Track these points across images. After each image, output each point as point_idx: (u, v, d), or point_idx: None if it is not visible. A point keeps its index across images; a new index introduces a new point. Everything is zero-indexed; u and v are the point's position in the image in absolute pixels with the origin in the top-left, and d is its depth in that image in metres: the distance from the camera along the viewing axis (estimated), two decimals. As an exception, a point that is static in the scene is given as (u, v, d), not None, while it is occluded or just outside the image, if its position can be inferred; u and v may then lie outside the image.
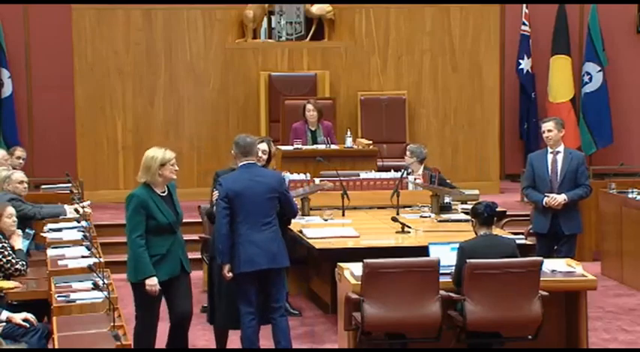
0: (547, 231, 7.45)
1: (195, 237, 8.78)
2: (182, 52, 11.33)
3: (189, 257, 9.10)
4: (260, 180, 6.24)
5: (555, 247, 7.47)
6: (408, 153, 8.89)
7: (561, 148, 7.49)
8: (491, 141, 11.65)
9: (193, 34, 11.33)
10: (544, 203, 7.38)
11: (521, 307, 5.80)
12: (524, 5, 12.14)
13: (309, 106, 9.94)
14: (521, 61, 12.21)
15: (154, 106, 11.32)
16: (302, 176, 8.66)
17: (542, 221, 7.48)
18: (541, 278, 5.90)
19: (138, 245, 6.04)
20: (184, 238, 9.86)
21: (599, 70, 12.18)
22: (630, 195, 8.74)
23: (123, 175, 11.26)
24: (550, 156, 7.48)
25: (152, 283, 6.06)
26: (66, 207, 7.92)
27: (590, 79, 12.22)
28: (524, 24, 12.18)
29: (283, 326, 6.24)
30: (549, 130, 7.48)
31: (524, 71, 12.23)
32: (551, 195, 7.37)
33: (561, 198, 7.36)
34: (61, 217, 7.90)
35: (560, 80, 12.18)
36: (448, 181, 8.64)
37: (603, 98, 12.23)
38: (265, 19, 11.86)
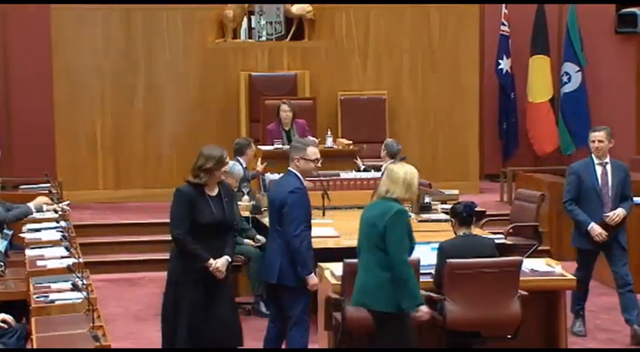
0: (591, 245, 7.07)
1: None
2: (162, 52, 11.29)
3: (164, 257, 9.15)
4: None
5: (610, 259, 7.12)
6: (382, 146, 9.07)
7: (608, 159, 7.12)
8: (471, 141, 11.69)
9: (173, 34, 11.29)
10: (607, 220, 6.98)
11: (500, 306, 5.82)
12: (504, 5, 12.19)
13: (285, 107, 9.97)
14: (500, 61, 12.25)
15: (133, 106, 11.28)
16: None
17: (587, 236, 7.04)
18: (520, 278, 5.92)
19: (408, 269, 5.29)
20: (166, 238, 9.87)
21: (578, 70, 12.24)
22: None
23: (102, 175, 11.21)
24: (599, 168, 7.07)
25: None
26: (30, 204, 7.81)
27: (569, 79, 12.28)
28: (503, 24, 12.23)
29: (289, 337, 6.15)
30: (600, 141, 7.06)
31: (504, 71, 12.28)
32: (613, 212, 6.99)
33: (622, 212, 7.02)
34: (29, 216, 7.79)
35: (539, 80, 12.23)
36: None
37: (582, 98, 12.29)
38: (245, 19, 11.85)
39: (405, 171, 5.43)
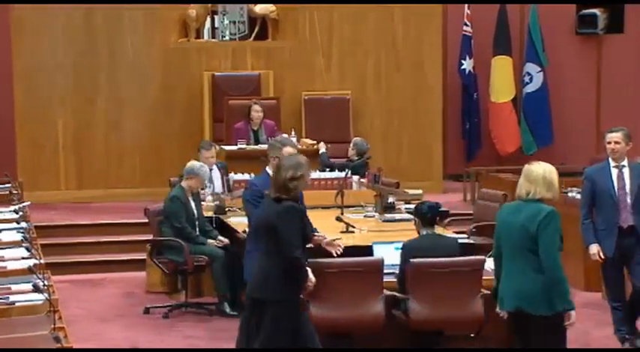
0: (613, 253, 6.58)
1: (138, 237, 8.72)
2: (124, 52, 11.21)
3: (131, 258, 9.14)
4: None
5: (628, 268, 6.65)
6: (351, 144, 9.15)
7: (626, 162, 6.63)
8: (434, 141, 11.74)
9: (135, 34, 11.22)
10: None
11: (464, 305, 5.85)
12: (466, 6, 12.25)
13: (257, 107, 9.96)
14: (463, 61, 12.32)
15: (95, 106, 11.20)
16: (246, 176, 8.63)
17: (607, 243, 6.58)
18: (483, 277, 5.95)
19: (562, 271, 5.11)
20: (129, 239, 9.79)
21: (540, 71, 12.34)
22: (570, 195, 8.86)
23: (64, 175, 11.12)
24: (615, 171, 6.60)
25: None
26: None
27: (531, 80, 12.37)
28: (466, 24, 12.29)
29: None
30: (617, 142, 6.60)
31: (467, 71, 12.34)
32: None
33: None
34: None
35: (501, 80, 12.31)
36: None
37: (543, 98, 12.39)
38: (208, 19, 11.81)
39: (544, 169, 5.24)
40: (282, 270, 5.29)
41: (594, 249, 6.61)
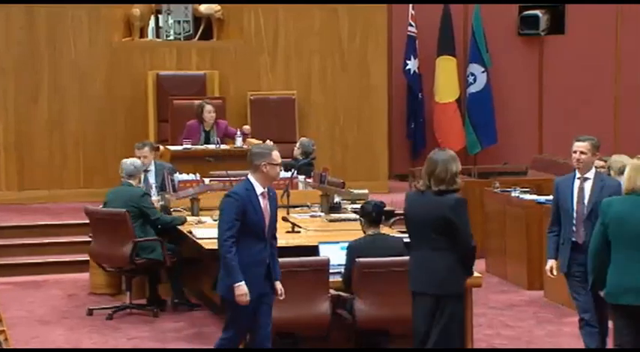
0: (567, 269, 6.13)
1: (81, 239, 8.62)
2: (67, 50, 11.08)
3: (74, 259, 9.05)
4: None
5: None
6: (297, 144, 9.14)
7: (591, 174, 6.15)
8: (380, 140, 11.79)
9: (78, 32, 11.09)
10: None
11: (409, 305, 5.87)
12: (411, 6, 12.32)
13: (209, 107, 9.91)
14: (408, 61, 12.38)
15: (37, 105, 11.04)
16: (191, 176, 8.59)
17: (562, 259, 6.17)
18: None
19: None
20: (72, 240, 9.69)
21: (483, 71, 12.45)
22: (513, 194, 8.97)
23: (5, 176, 10.94)
24: (577, 183, 6.14)
25: None
26: None
27: (475, 80, 12.48)
28: (410, 25, 12.36)
29: None
30: (582, 152, 6.12)
31: (411, 72, 12.41)
32: None
33: None
34: None
35: (445, 80, 12.41)
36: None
37: (487, 98, 12.51)
38: (153, 18, 11.72)
39: None
40: (462, 263, 5.38)
41: (548, 264, 6.23)
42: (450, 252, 5.34)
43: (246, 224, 5.45)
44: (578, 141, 6.17)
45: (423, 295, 5.39)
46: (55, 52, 11.05)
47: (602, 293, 5.41)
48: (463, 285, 5.46)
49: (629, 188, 5.29)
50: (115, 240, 7.66)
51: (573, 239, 6.09)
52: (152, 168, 8.62)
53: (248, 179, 5.58)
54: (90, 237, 7.88)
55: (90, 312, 7.80)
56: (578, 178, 6.15)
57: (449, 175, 5.34)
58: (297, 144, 9.41)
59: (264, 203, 5.52)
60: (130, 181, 7.89)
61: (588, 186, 6.10)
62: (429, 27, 12.34)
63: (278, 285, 5.54)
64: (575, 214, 6.07)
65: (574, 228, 6.08)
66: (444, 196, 5.34)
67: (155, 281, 7.99)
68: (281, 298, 5.55)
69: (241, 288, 5.38)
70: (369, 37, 11.71)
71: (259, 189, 5.53)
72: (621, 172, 8.34)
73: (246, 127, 9.91)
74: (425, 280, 5.39)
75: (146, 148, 8.54)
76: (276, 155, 5.60)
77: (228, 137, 10.01)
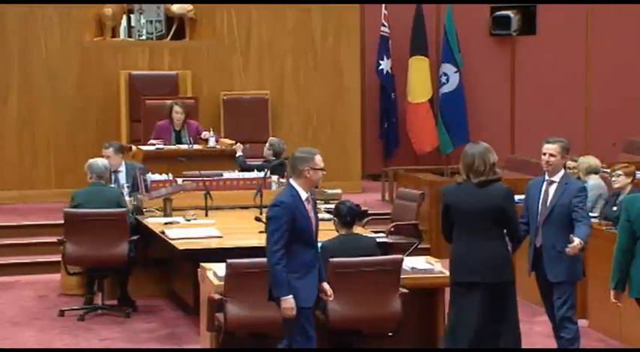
0: (530, 272, 6.14)
1: (52, 239, 8.56)
2: (37, 50, 11.00)
3: (45, 260, 8.98)
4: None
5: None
6: (267, 144, 9.12)
7: (558, 177, 6.05)
8: (353, 140, 11.80)
9: (49, 32, 11.01)
10: (566, 251, 5.85)
11: (382, 304, 5.89)
12: (383, 6, 12.35)
13: (178, 108, 9.86)
14: (381, 61, 12.41)
15: (7, 105, 10.95)
16: (164, 176, 8.55)
17: (527, 263, 6.13)
18: (401, 276, 6.00)
19: None
20: (43, 241, 9.61)
21: (456, 71, 12.50)
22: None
23: (-25, 177, 10.86)
24: (544, 186, 6.06)
25: None
26: None
27: (447, 80, 12.53)
28: (383, 25, 12.38)
29: None
30: (551, 155, 6.02)
31: (384, 72, 12.44)
32: (571, 244, 5.79)
33: (577, 242, 5.82)
34: None
35: (418, 81, 12.44)
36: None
37: (460, 98, 12.56)
38: (125, 18, 11.66)
39: None
40: (511, 251, 5.61)
41: (577, 242, 5.89)
42: (502, 240, 5.56)
43: (296, 231, 5.35)
44: (548, 143, 6.07)
45: (474, 285, 5.52)
46: (26, 51, 10.97)
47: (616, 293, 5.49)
48: (513, 271, 5.65)
49: None
50: (106, 240, 7.56)
51: (535, 243, 6.07)
52: (123, 168, 8.59)
53: (291, 185, 5.47)
54: (62, 239, 7.74)
55: (61, 313, 7.75)
56: (546, 181, 6.09)
57: (487, 166, 5.54)
58: (267, 145, 9.36)
59: (309, 208, 5.44)
60: (102, 182, 7.85)
61: (553, 189, 6.04)
62: (402, 27, 12.37)
63: (326, 286, 5.50)
64: (538, 217, 6.03)
65: (536, 232, 6.05)
66: (493, 186, 5.57)
67: (125, 281, 7.95)
68: (330, 299, 5.54)
69: (288, 302, 5.30)
70: (342, 37, 11.72)
71: (303, 194, 5.44)
72: (588, 172, 8.46)
73: (205, 133, 9.83)
74: (478, 269, 5.53)
75: (110, 149, 8.49)
76: (318, 159, 5.55)
77: (200, 138, 9.98)
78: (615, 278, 5.48)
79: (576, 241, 5.80)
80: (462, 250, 5.59)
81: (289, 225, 5.32)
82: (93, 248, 7.62)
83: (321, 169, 5.53)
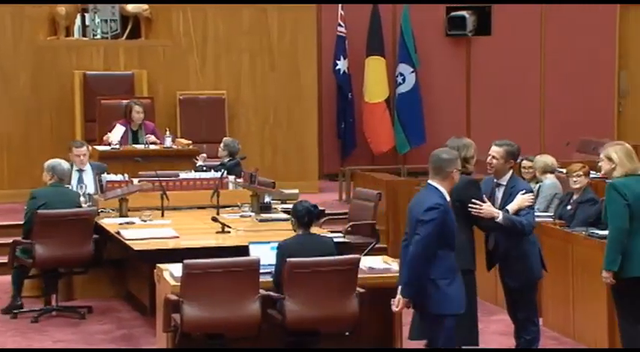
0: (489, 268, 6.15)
1: (4, 240, 8.45)
2: (-11, 50, 10.87)
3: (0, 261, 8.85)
4: None
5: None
6: (222, 145, 9.08)
7: (505, 180, 6.04)
8: (310, 140, 11.80)
9: (1, 32, 10.88)
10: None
11: (339, 304, 5.89)
12: (340, 6, 12.36)
13: (138, 107, 9.83)
14: (337, 61, 12.41)
15: (-41, 106, 10.82)
16: (120, 177, 8.48)
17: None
18: (358, 276, 6.01)
19: None
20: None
21: (412, 71, 12.55)
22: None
23: None
24: (493, 188, 6.10)
25: None
26: None
27: (404, 80, 12.57)
28: (340, 25, 12.39)
29: None
30: (493, 157, 6.01)
31: (341, 72, 12.45)
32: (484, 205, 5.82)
33: (493, 210, 5.83)
34: None
35: (375, 81, 12.47)
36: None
37: (416, 98, 12.61)
38: (79, 17, 11.54)
39: None
40: None
41: (492, 209, 5.91)
42: None
43: (445, 235, 5.24)
44: (495, 145, 6.05)
45: None
46: (-22, 50, 10.83)
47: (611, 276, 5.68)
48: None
49: (629, 170, 5.68)
50: (76, 240, 7.50)
51: (488, 246, 6.10)
52: (88, 168, 8.53)
53: (436, 188, 5.29)
54: (29, 241, 7.59)
55: (14, 315, 7.65)
56: (494, 182, 6.09)
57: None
58: (222, 146, 9.32)
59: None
60: (63, 183, 7.79)
61: (501, 193, 6.03)
62: (359, 27, 12.39)
63: None
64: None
65: (488, 235, 6.07)
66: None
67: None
68: None
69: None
70: (298, 37, 11.72)
71: (447, 196, 5.30)
72: (544, 172, 8.54)
73: (152, 139, 9.78)
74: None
75: (84, 148, 8.51)
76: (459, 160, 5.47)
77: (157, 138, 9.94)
78: (617, 259, 5.66)
79: (492, 209, 5.83)
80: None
81: (440, 229, 5.20)
82: (63, 248, 7.53)
83: (459, 170, 5.46)
